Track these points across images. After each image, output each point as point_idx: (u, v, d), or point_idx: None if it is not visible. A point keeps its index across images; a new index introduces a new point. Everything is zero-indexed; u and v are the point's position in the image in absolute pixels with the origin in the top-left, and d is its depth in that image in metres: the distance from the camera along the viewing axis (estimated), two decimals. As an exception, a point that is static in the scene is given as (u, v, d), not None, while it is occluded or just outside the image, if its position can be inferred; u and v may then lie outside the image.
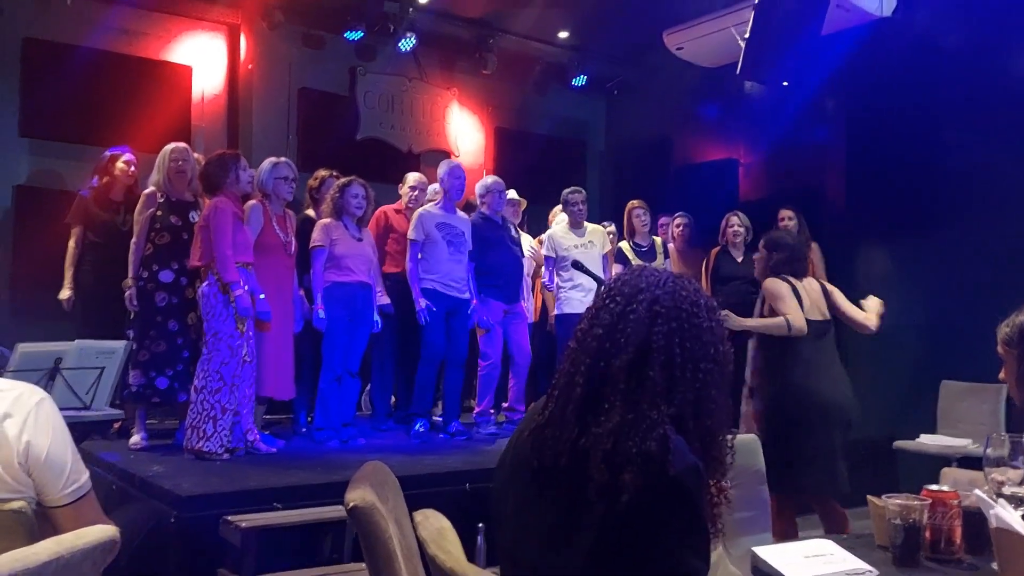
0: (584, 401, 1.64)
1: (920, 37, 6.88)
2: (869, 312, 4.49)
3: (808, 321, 4.33)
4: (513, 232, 6.69)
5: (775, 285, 4.42)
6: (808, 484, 4.24)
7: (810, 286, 4.49)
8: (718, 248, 7.27)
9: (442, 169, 6.40)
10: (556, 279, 6.72)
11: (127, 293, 5.48)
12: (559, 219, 7.13)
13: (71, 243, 6.02)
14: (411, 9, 8.32)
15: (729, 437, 1.73)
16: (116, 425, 5.70)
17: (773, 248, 4.56)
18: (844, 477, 4.25)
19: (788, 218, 6.96)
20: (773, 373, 4.43)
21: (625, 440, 1.54)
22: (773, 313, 4.40)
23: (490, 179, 6.62)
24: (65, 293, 5.97)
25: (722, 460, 1.70)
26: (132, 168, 6.16)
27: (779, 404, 4.34)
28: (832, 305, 4.51)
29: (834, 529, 4.02)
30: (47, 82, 7.14)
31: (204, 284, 5.11)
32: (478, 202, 6.57)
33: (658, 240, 7.39)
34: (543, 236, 7.33)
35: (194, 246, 5.24)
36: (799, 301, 4.34)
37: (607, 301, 1.73)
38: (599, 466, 1.54)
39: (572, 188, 6.91)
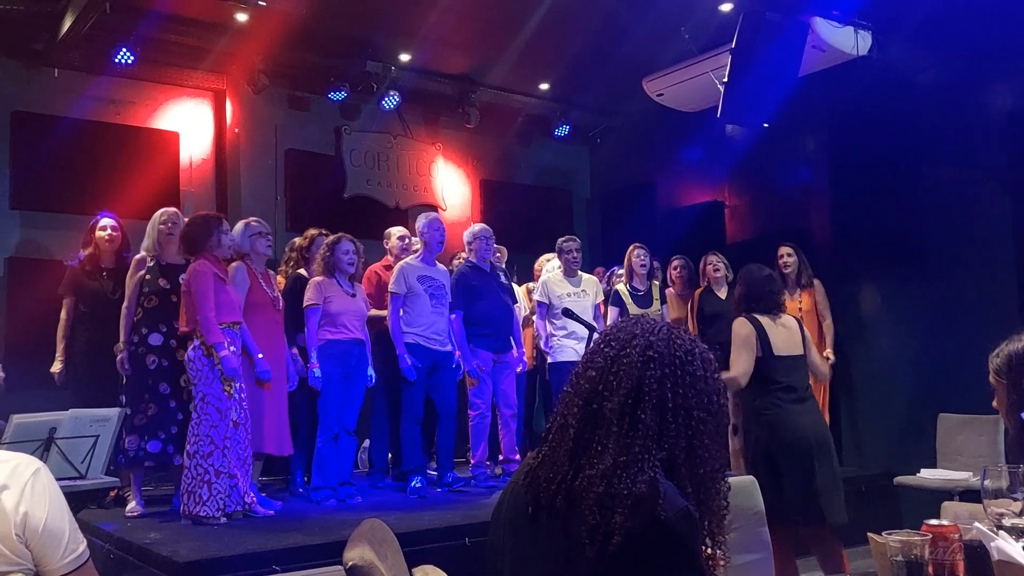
0: (576, 442, 1.65)
1: (896, 74, 6.99)
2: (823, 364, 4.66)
3: (780, 357, 4.36)
4: (503, 279, 6.67)
5: (737, 328, 4.46)
6: (792, 517, 4.16)
7: (787, 322, 4.52)
8: (701, 288, 7.27)
9: (421, 222, 6.40)
10: (548, 327, 6.70)
11: (119, 357, 5.50)
12: (549, 266, 7.15)
13: (62, 314, 6.01)
14: (393, 68, 8.42)
15: (725, 488, 1.72)
16: (112, 493, 5.65)
17: (740, 281, 4.68)
18: (833, 507, 4.20)
19: (787, 255, 6.97)
20: (749, 409, 4.47)
21: (617, 483, 1.55)
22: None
23: (477, 226, 6.63)
24: (56, 366, 5.94)
25: (716, 511, 1.69)
26: (111, 233, 6.01)
27: (757, 439, 4.34)
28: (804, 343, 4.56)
29: (832, 569, 3.98)
30: (37, 154, 7.21)
31: (190, 348, 5.11)
32: (466, 250, 6.58)
33: (655, 285, 7.29)
34: (530, 285, 7.37)
35: (181, 312, 5.26)
36: (765, 340, 4.36)
37: (602, 346, 1.75)
38: (591, 508, 1.54)
39: (567, 237, 6.92)
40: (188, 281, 5.17)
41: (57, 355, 5.97)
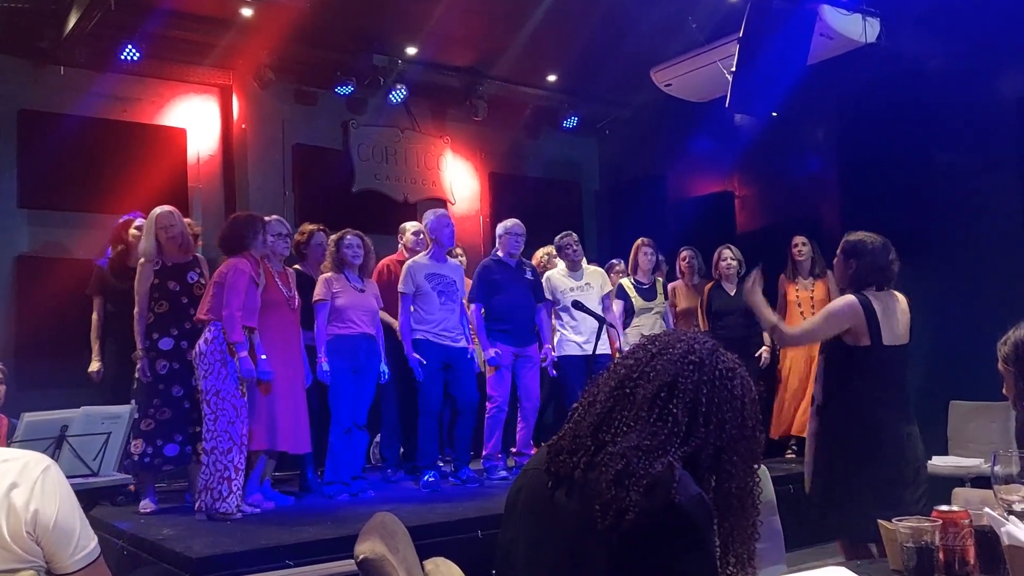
0: (602, 419, 1.65)
1: (905, 62, 6.94)
2: None
3: (889, 347, 3.78)
4: (529, 274, 6.65)
5: (839, 304, 3.84)
6: (836, 524, 3.81)
7: (899, 303, 3.90)
8: (711, 283, 7.27)
9: (428, 218, 6.40)
10: (553, 322, 6.72)
11: (138, 365, 5.45)
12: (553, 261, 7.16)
13: (94, 315, 5.99)
14: (400, 61, 8.40)
15: (755, 515, 1.70)
16: (132, 488, 5.60)
17: (851, 255, 3.94)
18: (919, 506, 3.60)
19: (801, 243, 6.97)
20: (836, 395, 3.88)
21: (636, 462, 1.55)
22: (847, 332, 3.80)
23: (510, 222, 6.63)
24: (94, 365, 5.95)
25: (743, 534, 1.67)
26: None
27: (835, 433, 3.86)
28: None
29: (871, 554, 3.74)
30: (44, 152, 7.21)
31: (201, 341, 5.07)
32: (497, 244, 6.62)
33: (659, 280, 7.34)
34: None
35: (203, 299, 5.20)
36: (875, 327, 3.76)
37: (645, 343, 1.75)
38: (608, 483, 1.54)
39: (563, 233, 6.90)
40: (224, 274, 5.12)
41: (93, 354, 5.97)
